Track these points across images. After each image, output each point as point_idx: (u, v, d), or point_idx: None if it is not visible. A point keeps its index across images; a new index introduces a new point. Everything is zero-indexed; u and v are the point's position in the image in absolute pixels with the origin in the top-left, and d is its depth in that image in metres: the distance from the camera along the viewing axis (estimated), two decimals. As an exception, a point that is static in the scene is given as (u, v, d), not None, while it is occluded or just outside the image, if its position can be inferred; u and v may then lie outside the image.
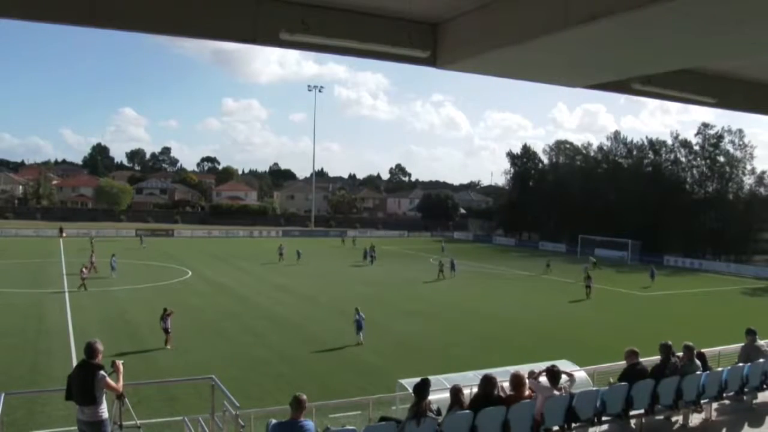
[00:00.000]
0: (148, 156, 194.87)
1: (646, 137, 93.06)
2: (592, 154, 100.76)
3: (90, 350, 8.76)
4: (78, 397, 8.60)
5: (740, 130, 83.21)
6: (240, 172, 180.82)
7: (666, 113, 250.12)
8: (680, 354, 11.77)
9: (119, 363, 9.14)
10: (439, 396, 9.92)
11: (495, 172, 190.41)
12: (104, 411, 8.75)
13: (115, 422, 9.37)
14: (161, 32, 6.54)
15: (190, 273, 49.73)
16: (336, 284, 46.90)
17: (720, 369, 12.59)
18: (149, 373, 20.69)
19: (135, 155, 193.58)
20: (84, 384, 8.55)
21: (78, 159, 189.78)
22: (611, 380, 11.70)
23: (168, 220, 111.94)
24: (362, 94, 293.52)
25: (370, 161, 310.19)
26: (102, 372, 8.63)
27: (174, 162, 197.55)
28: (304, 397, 7.85)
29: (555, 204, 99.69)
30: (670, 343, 11.68)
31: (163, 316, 26.57)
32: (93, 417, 8.61)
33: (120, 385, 9.02)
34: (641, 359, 11.23)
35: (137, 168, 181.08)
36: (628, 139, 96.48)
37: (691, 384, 11.24)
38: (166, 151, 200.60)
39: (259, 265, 58.25)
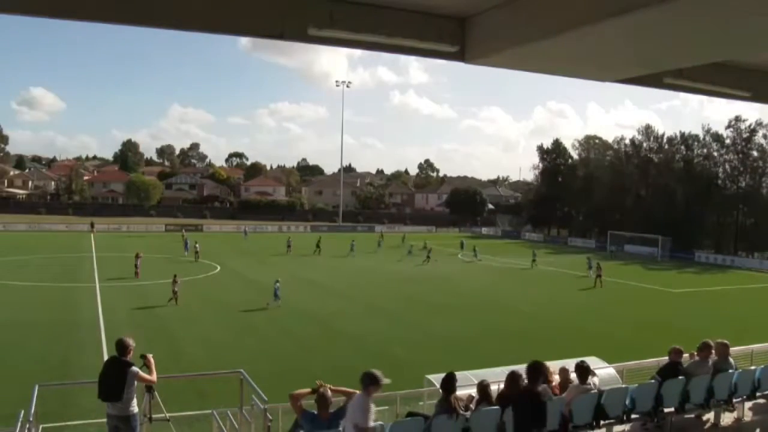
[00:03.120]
0: (177, 152, 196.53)
1: (679, 131, 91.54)
2: (623, 148, 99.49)
3: (121, 347, 8.86)
4: (110, 395, 8.70)
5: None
6: (268, 167, 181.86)
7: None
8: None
9: (150, 356, 9.25)
10: (466, 391, 9.88)
11: (524, 167, 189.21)
12: (135, 405, 8.86)
13: (145, 415, 9.48)
14: (188, 29, 6.54)
15: (219, 268, 50.15)
16: (372, 281, 47.04)
17: (753, 368, 12.39)
18: (179, 367, 20.91)
19: (164, 151, 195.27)
20: (116, 381, 8.64)
21: (109, 155, 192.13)
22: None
23: (197, 215, 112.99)
24: (392, 90, 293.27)
25: (399, 157, 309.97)
26: (134, 368, 8.73)
27: (203, 157, 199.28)
28: (329, 393, 7.84)
29: (584, 199, 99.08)
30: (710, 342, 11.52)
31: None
32: (123, 411, 8.72)
33: (154, 377, 9.13)
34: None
35: (166, 163, 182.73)
36: (659, 132, 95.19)
37: (723, 382, 11.07)
38: (195, 146, 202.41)
39: (288, 258, 58.60)
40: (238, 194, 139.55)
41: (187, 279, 40.83)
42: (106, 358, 11.78)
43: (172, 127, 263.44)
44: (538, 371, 8.62)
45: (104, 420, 9.06)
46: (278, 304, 33.86)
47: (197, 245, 55.89)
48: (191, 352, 24.92)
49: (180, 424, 12.47)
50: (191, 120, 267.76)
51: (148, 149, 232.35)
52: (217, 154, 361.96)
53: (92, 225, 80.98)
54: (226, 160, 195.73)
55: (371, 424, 7.46)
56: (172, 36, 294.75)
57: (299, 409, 7.78)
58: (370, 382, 7.53)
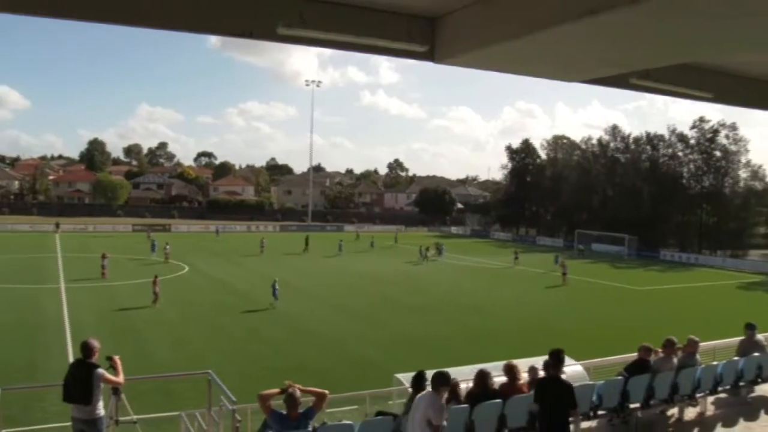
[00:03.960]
0: (145, 151, 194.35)
1: (645, 132, 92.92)
2: (590, 148, 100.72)
3: (87, 349, 8.74)
4: (75, 397, 8.57)
5: (734, 124, 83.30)
6: (237, 167, 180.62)
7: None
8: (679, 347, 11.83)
9: (116, 358, 9.14)
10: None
11: (492, 167, 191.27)
12: (101, 408, 8.74)
13: (111, 417, 9.36)
14: (155, 27, 6.44)
15: (187, 268, 49.72)
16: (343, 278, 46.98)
17: (716, 363, 12.63)
18: (146, 368, 20.67)
19: (132, 150, 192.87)
20: (82, 384, 8.52)
21: (75, 154, 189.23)
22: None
23: (165, 215, 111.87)
24: (362, 90, 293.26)
25: (368, 156, 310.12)
26: (99, 370, 8.61)
27: (171, 157, 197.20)
28: (298, 393, 7.82)
29: (552, 199, 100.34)
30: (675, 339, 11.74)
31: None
32: (90, 415, 8.59)
33: (120, 378, 9.02)
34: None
35: (134, 163, 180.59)
36: (626, 133, 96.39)
37: (687, 378, 11.28)
38: (163, 146, 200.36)
39: (257, 258, 58.31)
40: (206, 194, 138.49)
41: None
42: (71, 360, 11.61)
43: (140, 126, 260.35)
44: (559, 357, 8.81)
45: (69, 424, 8.94)
46: (277, 304, 34.05)
47: (167, 246, 55.31)
48: (159, 353, 24.68)
49: (147, 426, 12.36)
50: (159, 119, 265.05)
51: (115, 148, 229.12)
52: (185, 153, 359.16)
53: (57, 225, 79.74)
54: (195, 160, 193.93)
55: (444, 423, 7.66)
56: (140, 34, 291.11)
57: (268, 409, 7.75)
58: (442, 382, 7.82)
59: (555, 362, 8.75)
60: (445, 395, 7.95)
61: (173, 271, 47.14)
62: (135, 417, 9.92)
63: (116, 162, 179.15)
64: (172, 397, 17.74)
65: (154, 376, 18.06)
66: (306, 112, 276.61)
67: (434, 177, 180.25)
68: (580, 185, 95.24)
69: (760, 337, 13.56)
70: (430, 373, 8.37)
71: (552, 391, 8.61)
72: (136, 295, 36.11)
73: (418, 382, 8.92)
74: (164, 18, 6.20)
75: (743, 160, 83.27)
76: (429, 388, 8.07)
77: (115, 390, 9.28)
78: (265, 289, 36.22)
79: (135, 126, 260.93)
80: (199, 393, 13.57)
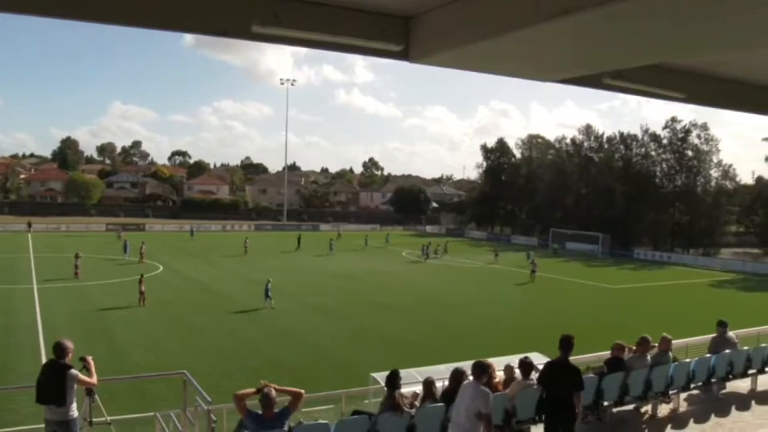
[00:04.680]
0: (118, 150, 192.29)
1: (619, 131, 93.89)
2: (564, 148, 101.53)
3: (59, 349, 8.62)
4: (49, 399, 8.47)
5: (705, 124, 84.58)
6: (212, 166, 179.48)
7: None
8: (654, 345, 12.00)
9: (89, 358, 9.04)
10: (411, 389, 9.96)
11: (468, 166, 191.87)
12: (74, 409, 8.63)
13: (85, 419, 9.27)
14: (128, 24, 6.38)
15: (161, 268, 49.33)
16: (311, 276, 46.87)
17: (688, 360, 12.82)
18: (120, 369, 20.51)
19: (105, 149, 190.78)
20: (55, 385, 8.41)
21: (47, 153, 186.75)
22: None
23: (139, 214, 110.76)
24: (337, 89, 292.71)
25: (343, 155, 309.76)
26: (73, 371, 8.51)
27: (145, 156, 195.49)
28: (273, 393, 7.79)
29: (527, 198, 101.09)
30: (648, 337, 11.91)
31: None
32: (63, 416, 8.48)
33: (94, 379, 8.93)
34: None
35: (107, 162, 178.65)
36: (600, 132, 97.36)
37: (660, 375, 11.43)
38: (137, 144, 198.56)
39: (232, 258, 58.01)
40: (180, 193, 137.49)
41: (131, 280, 40.10)
42: (44, 361, 11.47)
43: (114, 124, 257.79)
44: (569, 343, 9.22)
45: (42, 426, 8.83)
46: (272, 305, 33.87)
47: (143, 245, 54.74)
48: (133, 353, 24.49)
49: (122, 427, 12.25)
50: (133, 117, 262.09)
51: (88, 147, 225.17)
52: (159, 152, 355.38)
53: (29, 224, 78.69)
54: (169, 159, 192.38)
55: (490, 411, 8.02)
56: (114, 31, 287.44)
57: (243, 409, 7.72)
58: (483, 370, 8.17)
59: (566, 347, 9.19)
60: (485, 380, 8.25)
61: (148, 271, 46.70)
62: (109, 418, 9.83)
63: (89, 161, 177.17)
64: (147, 398, 17.62)
65: (129, 376, 17.95)
66: (281, 111, 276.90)
67: (409, 176, 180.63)
68: (554, 184, 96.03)
69: (731, 334, 13.78)
70: (405, 372, 8.41)
71: (561, 372, 9.11)
72: (110, 295, 35.81)
73: (392, 380, 8.94)
74: (138, 16, 6.14)
75: (714, 159, 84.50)
76: (470, 378, 8.41)
77: (89, 391, 9.19)
78: (244, 288, 36.09)
79: (108, 124, 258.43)
80: (174, 393, 13.51)
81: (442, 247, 69.26)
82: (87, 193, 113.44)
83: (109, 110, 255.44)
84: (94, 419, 9.48)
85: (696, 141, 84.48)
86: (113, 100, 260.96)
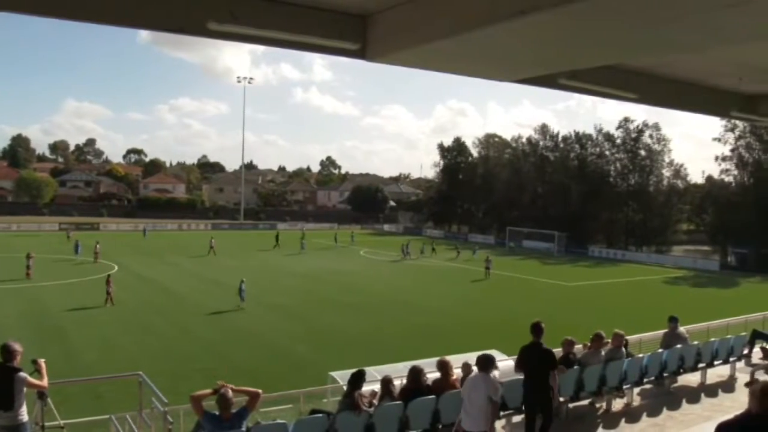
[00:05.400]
0: (72, 148, 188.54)
1: (574, 131, 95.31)
2: (520, 147, 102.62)
3: (7, 352, 8.44)
4: (-3, 403, 8.28)
5: (657, 124, 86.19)
6: (168, 164, 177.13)
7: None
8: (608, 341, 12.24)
9: (41, 361, 8.87)
10: (370, 387, 9.98)
11: (425, 164, 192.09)
12: (24, 413, 8.46)
13: (37, 423, 9.09)
14: (82, 19, 6.25)
15: (116, 267, 48.51)
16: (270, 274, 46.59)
17: (641, 355, 13.10)
18: (73, 371, 20.10)
19: (58, 147, 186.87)
20: (2, 389, 8.23)
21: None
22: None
23: (93, 213, 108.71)
24: (294, 88, 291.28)
25: (301, 154, 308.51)
26: (21, 374, 8.34)
27: (99, 154, 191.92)
28: (230, 393, 7.73)
29: (484, 196, 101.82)
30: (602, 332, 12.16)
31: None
32: (12, 421, 8.31)
33: (45, 382, 8.76)
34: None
35: (60, 160, 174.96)
36: (555, 132, 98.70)
37: (615, 371, 11.66)
38: (91, 142, 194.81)
39: (189, 258, 57.35)
40: (136, 192, 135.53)
41: (85, 280, 39.38)
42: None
43: (67, 122, 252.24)
44: (539, 327, 10.14)
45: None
46: (243, 305, 33.71)
47: (98, 245, 53.74)
48: (87, 354, 24.06)
49: (76, 430, 12.04)
50: (87, 115, 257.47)
51: (40, 145, 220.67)
52: (114, 150, 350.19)
53: (-23, 224, 76.78)
54: (124, 157, 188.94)
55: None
56: (66, 26, 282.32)
57: (201, 410, 7.65)
58: (491, 363, 9.02)
59: (537, 331, 10.05)
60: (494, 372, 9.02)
61: (104, 271, 45.88)
62: (62, 422, 9.67)
63: (41, 159, 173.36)
64: (102, 401, 17.36)
65: (82, 378, 17.61)
66: (238, 109, 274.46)
67: (367, 175, 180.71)
68: (511, 183, 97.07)
69: (682, 329, 14.13)
70: (371, 370, 8.44)
71: (535, 355, 9.90)
72: (63, 296, 35.14)
73: (357, 380, 8.98)
74: (92, 11, 6.03)
75: (666, 159, 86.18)
76: (477, 371, 9.21)
77: (41, 394, 9.01)
78: (200, 288, 35.66)
79: (61, 122, 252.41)
80: (129, 395, 13.31)
81: (429, 247, 69.81)
82: (39, 192, 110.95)
83: (63, 107, 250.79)
84: (46, 423, 9.30)
85: (648, 141, 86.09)
86: (66, 98, 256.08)
